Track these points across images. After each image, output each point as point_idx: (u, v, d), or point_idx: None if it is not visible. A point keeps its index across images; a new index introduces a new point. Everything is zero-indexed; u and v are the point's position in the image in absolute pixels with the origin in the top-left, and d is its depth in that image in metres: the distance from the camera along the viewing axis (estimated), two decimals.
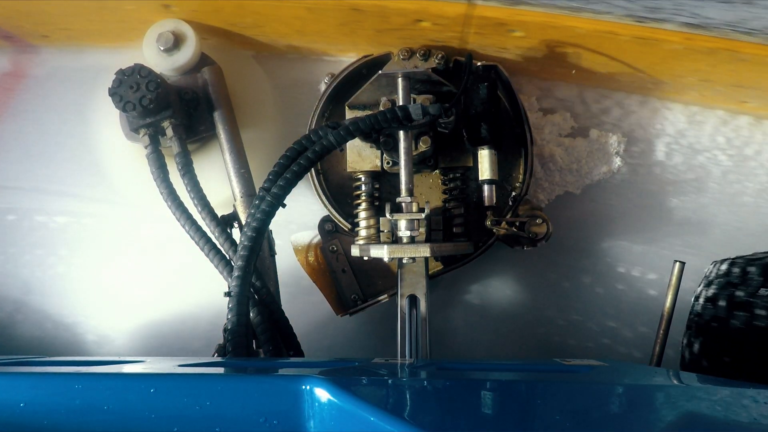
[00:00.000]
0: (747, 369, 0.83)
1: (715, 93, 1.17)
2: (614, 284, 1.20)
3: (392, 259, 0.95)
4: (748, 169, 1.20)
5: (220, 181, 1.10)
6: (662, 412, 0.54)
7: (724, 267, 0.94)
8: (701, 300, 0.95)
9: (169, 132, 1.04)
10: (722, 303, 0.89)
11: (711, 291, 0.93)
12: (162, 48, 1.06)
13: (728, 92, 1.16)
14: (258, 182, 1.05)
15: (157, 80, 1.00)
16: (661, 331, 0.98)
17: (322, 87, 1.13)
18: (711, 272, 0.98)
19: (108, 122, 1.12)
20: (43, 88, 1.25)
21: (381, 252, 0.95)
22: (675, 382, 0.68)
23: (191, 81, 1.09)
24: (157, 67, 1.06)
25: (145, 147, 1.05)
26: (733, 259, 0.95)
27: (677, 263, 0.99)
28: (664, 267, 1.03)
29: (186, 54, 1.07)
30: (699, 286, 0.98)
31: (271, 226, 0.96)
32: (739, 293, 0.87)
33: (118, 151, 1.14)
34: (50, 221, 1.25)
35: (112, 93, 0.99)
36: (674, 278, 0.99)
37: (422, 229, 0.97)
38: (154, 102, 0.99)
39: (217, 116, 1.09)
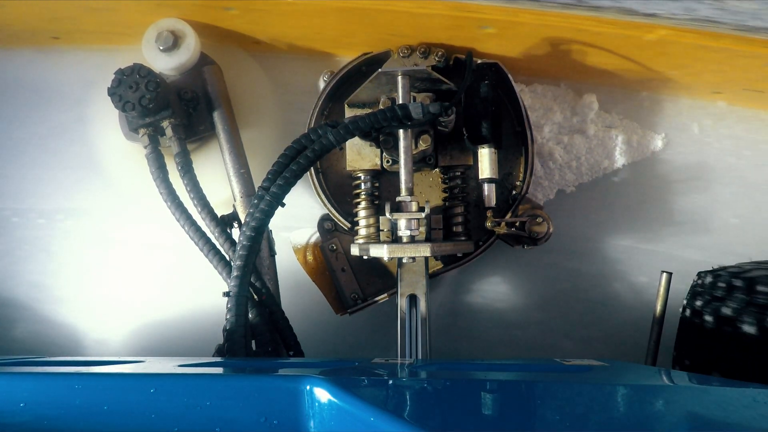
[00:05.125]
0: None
1: (720, 91, 1.17)
2: (614, 284, 1.20)
3: (392, 258, 0.95)
4: (750, 168, 1.20)
5: (219, 181, 1.10)
6: (662, 412, 0.54)
7: (708, 279, 0.94)
8: (688, 311, 0.95)
9: (169, 132, 1.04)
10: (703, 315, 0.89)
11: (697, 302, 0.93)
12: (161, 47, 1.05)
13: (733, 90, 1.16)
14: (258, 182, 1.04)
15: (157, 80, 0.99)
16: (652, 341, 0.99)
17: (321, 85, 1.13)
18: (696, 284, 0.97)
19: (107, 122, 1.12)
20: (41, 88, 1.24)
21: (381, 251, 0.95)
22: (675, 382, 0.68)
23: (191, 80, 1.09)
24: (156, 66, 1.06)
25: (145, 147, 1.05)
26: (717, 270, 0.94)
27: (664, 274, 0.99)
28: (664, 267, 1.03)
29: (185, 53, 1.06)
30: (686, 297, 0.98)
31: (270, 226, 0.96)
32: (724, 306, 0.87)
33: (117, 151, 1.14)
34: (50, 220, 1.25)
35: (112, 93, 0.99)
36: (662, 288, 0.99)
37: (422, 229, 0.97)
38: (153, 102, 0.99)
39: (216, 116, 1.09)
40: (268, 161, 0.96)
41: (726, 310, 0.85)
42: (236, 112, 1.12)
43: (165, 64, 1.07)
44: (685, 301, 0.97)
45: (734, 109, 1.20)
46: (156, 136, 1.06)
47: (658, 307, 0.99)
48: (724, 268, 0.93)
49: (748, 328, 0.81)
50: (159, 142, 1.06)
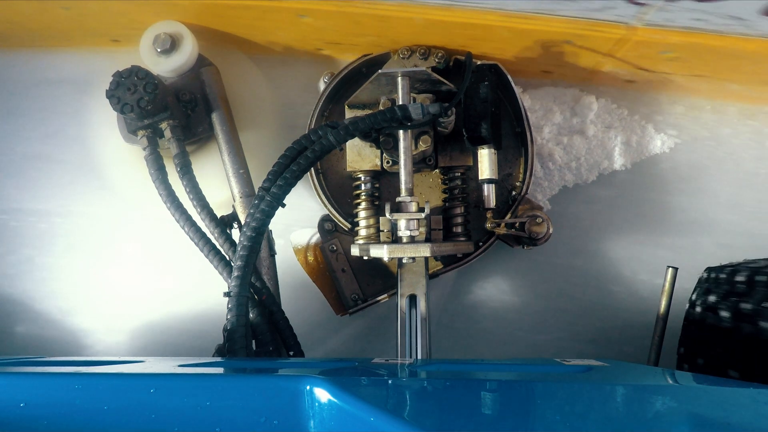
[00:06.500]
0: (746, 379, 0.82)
1: (718, 90, 1.17)
2: (613, 284, 1.20)
3: (392, 258, 0.95)
4: (748, 168, 1.20)
5: (219, 182, 1.10)
6: (662, 412, 0.54)
7: (716, 274, 0.93)
8: (695, 307, 0.94)
9: (168, 133, 1.04)
10: (716, 311, 0.88)
11: (705, 298, 0.92)
12: (159, 50, 1.06)
13: (730, 89, 1.16)
14: (257, 183, 1.04)
15: (155, 82, 0.99)
16: (656, 337, 0.98)
17: (321, 86, 1.13)
18: (704, 279, 0.97)
19: (106, 124, 1.12)
20: (40, 91, 1.25)
21: (381, 252, 0.95)
22: (675, 382, 0.68)
23: (189, 82, 1.09)
24: (154, 68, 1.06)
25: (144, 149, 1.05)
26: (725, 266, 0.94)
27: (670, 269, 0.99)
28: (662, 268, 1.03)
29: (183, 55, 1.06)
30: (693, 293, 0.97)
31: (270, 226, 0.96)
32: (734, 301, 0.86)
33: (116, 154, 1.14)
34: (50, 223, 1.25)
35: (110, 95, 0.99)
36: (667, 284, 0.99)
37: (422, 229, 0.97)
38: (151, 103, 0.99)
39: (215, 117, 1.09)
40: (266, 162, 0.97)
41: (747, 306, 0.84)
42: (234, 114, 1.12)
43: (163, 67, 1.07)
44: (694, 296, 0.96)
45: (733, 110, 1.20)
46: (155, 138, 1.06)
47: (663, 303, 0.99)
48: (738, 264, 0.93)
49: None
50: (158, 144, 1.06)
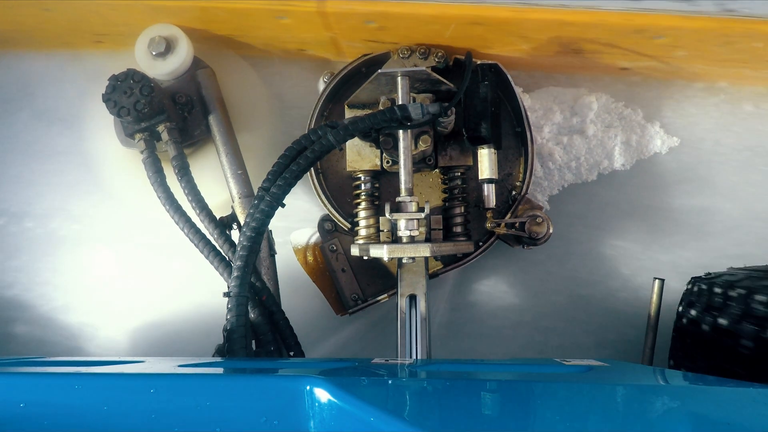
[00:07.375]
0: None
1: (721, 86, 1.17)
2: (613, 284, 1.20)
3: (392, 258, 0.95)
4: (748, 170, 1.20)
5: (217, 183, 1.10)
6: (662, 412, 0.55)
7: (703, 286, 0.92)
8: (684, 320, 0.94)
9: (165, 136, 1.04)
10: (705, 326, 0.88)
11: (690, 310, 0.92)
12: (154, 53, 1.05)
13: (732, 89, 1.16)
14: (255, 184, 1.04)
15: (151, 85, 0.99)
16: (647, 349, 0.98)
17: (321, 86, 1.13)
18: (690, 291, 0.96)
19: (103, 128, 1.12)
20: (36, 96, 1.25)
21: (381, 252, 0.95)
22: (675, 382, 0.68)
23: (185, 84, 1.09)
24: (149, 72, 1.05)
25: (141, 152, 1.05)
26: (712, 278, 0.93)
27: (656, 281, 0.98)
28: (663, 268, 1.02)
29: (178, 58, 1.06)
30: (679, 304, 0.97)
31: (270, 226, 0.96)
32: (721, 317, 0.85)
33: (114, 157, 1.14)
34: (49, 225, 1.25)
35: (106, 99, 0.99)
36: (655, 296, 0.98)
37: (422, 229, 0.97)
38: (148, 106, 0.99)
39: (211, 119, 1.09)
40: (265, 163, 0.96)
41: (723, 321, 0.83)
42: (231, 116, 1.12)
43: (158, 70, 1.07)
44: (680, 308, 0.95)
45: (733, 110, 1.20)
46: (152, 141, 1.06)
47: (652, 314, 0.99)
48: (718, 275, 0.92)
49: (746, 342, 0.79)
50: (155, 147, 1.06)
